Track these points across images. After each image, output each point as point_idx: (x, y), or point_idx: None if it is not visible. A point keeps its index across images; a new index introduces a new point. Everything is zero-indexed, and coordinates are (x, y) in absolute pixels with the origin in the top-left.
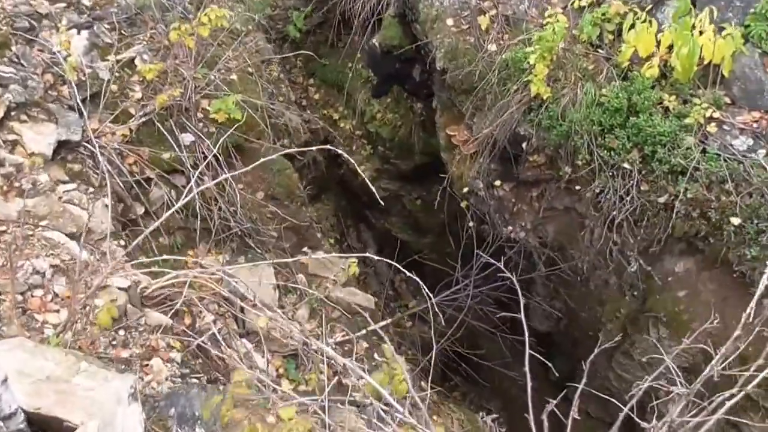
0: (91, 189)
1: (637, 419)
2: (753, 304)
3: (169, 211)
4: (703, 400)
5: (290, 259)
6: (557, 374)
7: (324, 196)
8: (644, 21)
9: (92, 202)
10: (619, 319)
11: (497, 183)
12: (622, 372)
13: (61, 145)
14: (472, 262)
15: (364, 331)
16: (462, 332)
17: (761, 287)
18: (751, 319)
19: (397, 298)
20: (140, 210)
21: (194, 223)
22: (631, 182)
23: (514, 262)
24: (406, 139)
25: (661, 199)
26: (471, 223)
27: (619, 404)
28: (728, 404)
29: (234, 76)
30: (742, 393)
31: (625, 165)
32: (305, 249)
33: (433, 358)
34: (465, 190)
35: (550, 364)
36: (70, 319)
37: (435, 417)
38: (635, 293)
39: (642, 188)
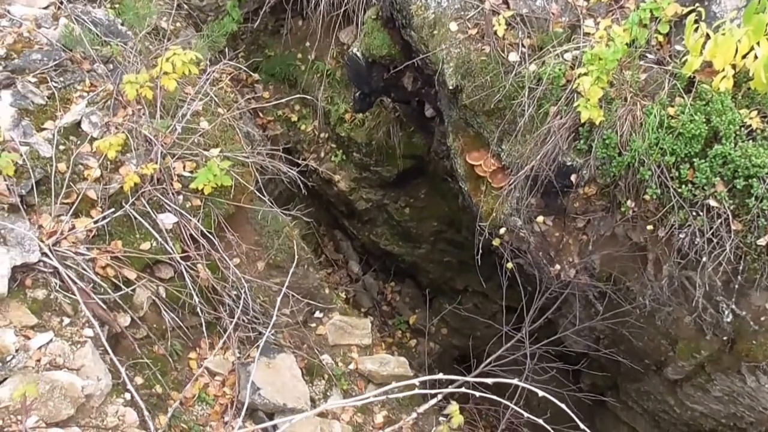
0: (66, 320)
1: None
2: None
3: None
4: None
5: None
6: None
7: (291, 205)
8: (702, 21)
9: (78, 348)
10: (696, 358)
11: (539, 219)
12: (692, 403)
13: (16, 270)
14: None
15: (414, 415)
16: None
17: None
18: None
19: (393, 315)
20: (125, 321)
21: (191, 321)
22: (719, 221)
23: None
24: (384, 143)
25: (762, 241)
26: (509, 264)
27: None
28: None
29: (204, 123)
30: None
31: (711, 202)
32: (317, 314)
33: None
34: (502, 231)
35: None
36: None
37: None
38: (721, 335)
39: (734, 228)
